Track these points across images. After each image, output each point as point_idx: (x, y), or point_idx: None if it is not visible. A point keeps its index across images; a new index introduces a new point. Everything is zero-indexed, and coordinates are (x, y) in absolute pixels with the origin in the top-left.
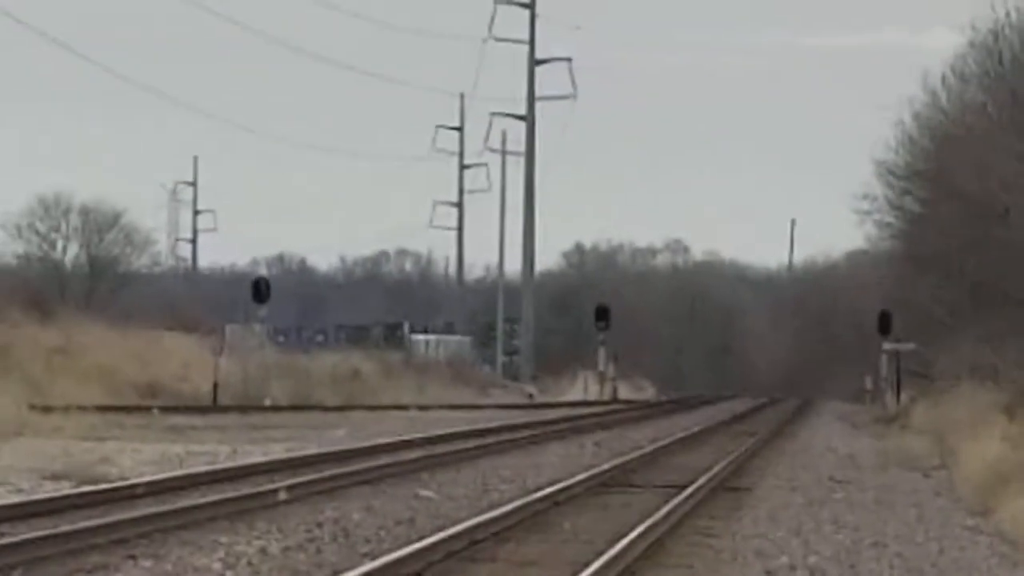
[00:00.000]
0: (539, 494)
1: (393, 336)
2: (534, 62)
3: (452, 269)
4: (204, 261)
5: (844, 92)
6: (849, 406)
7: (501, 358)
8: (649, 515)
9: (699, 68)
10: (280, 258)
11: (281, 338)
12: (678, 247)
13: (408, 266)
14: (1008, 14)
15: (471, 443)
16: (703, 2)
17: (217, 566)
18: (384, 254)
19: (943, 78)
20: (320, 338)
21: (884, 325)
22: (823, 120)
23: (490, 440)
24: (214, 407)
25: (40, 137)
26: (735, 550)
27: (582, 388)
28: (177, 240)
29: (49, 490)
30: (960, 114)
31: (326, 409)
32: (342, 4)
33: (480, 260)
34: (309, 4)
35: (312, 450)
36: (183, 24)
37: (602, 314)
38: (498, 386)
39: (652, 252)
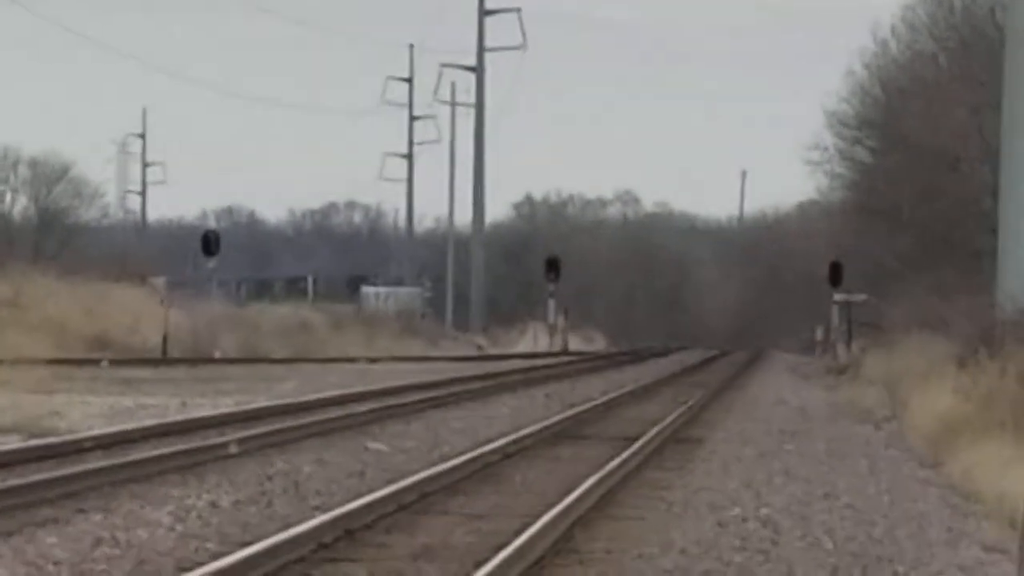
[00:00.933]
0: (490, 446)
1: (296, 289)
2: (483, 12)
3: (402, 221)
4: (153, 214)
5: (795, 42)
6: (800, 358)
7: (450, 309)
8: (600, 467)
9: (649, 19)
10: (229, 211)
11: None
12: (628, 198)
13: (358, 218)
14: None
15: (421, 395)
16: None
17: (167, 519)
18: (334, 206)
19: (893, 28)
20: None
21: (835, 276)
22: (774, 71)
23: (440, 392)
24: (164, 360)
25: None
26: (687, 502)
27: (532, 340)
28: (126, 192)
29: None
30: (910, 64)
31: (275, 361)
32: None
33: (430, 212)
34: None
35: (262, 403)
36: None
37: (552, 265)
38: (448, 338)
39: (602, 203)
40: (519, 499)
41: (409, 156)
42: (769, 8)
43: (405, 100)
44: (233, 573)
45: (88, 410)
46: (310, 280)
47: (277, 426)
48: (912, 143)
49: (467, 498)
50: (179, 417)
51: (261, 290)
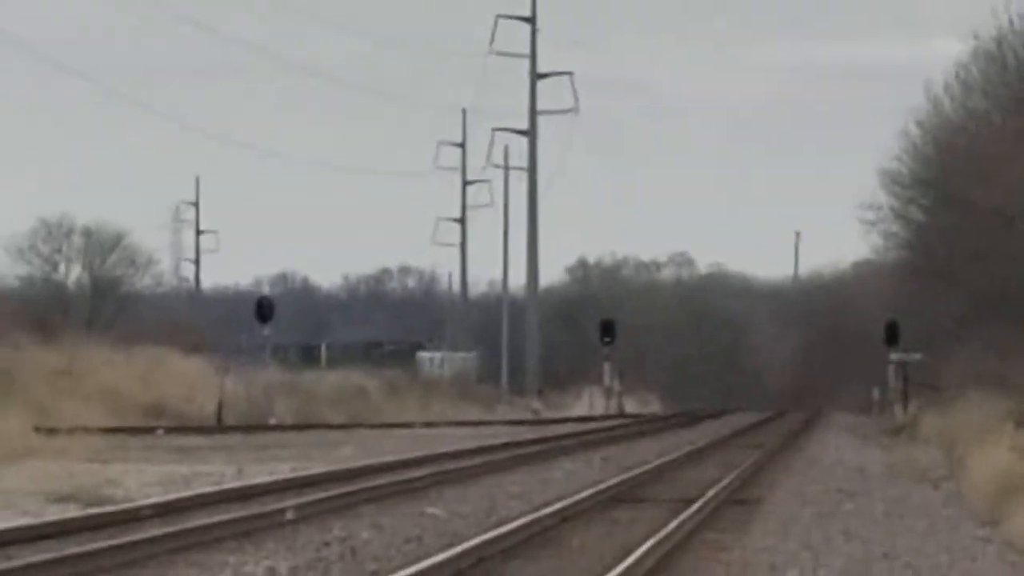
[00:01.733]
0: (547, 510)
1: (310, 356)
2: (536, 76)
3: (456, 285)
4: (207, 281)
5: (848, 102)
6: (857, 418)
7: (506, 373)
8: (658, 529)
9: (702, 82)
10: (283, 277)
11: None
12: (683, 260)
13: (411, 283)
14: (1011, 21)
15: (478, 460)
16: (704, 17)
17: None
18: (387, 271)
19: (946, 86)
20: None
21: (891, 335)
22: (827, 131)
23: (497, 456)
24: (219, 427)
25: (42, 159)
26: (745, 562)
27: (588, 403)
28: (180, 260)
29: (55, 512)
30: (964, 122)
31: (331, 427)
32: (342, 21)
33: (484, 276)
34: (309, 21)
35: (318, 469)
36: (184, 43)
37: (607, 328)
38: (504, 402)
39: (657, 266)
40: (577, 563)
41: (462, 220)
42: (821, 68)
43: (458, 164)
44: None
45: (144, 478)
46: (323, 347)
47: (334, 492)
48: (966, 202)
49: (524, 562)
50: (235, 484)
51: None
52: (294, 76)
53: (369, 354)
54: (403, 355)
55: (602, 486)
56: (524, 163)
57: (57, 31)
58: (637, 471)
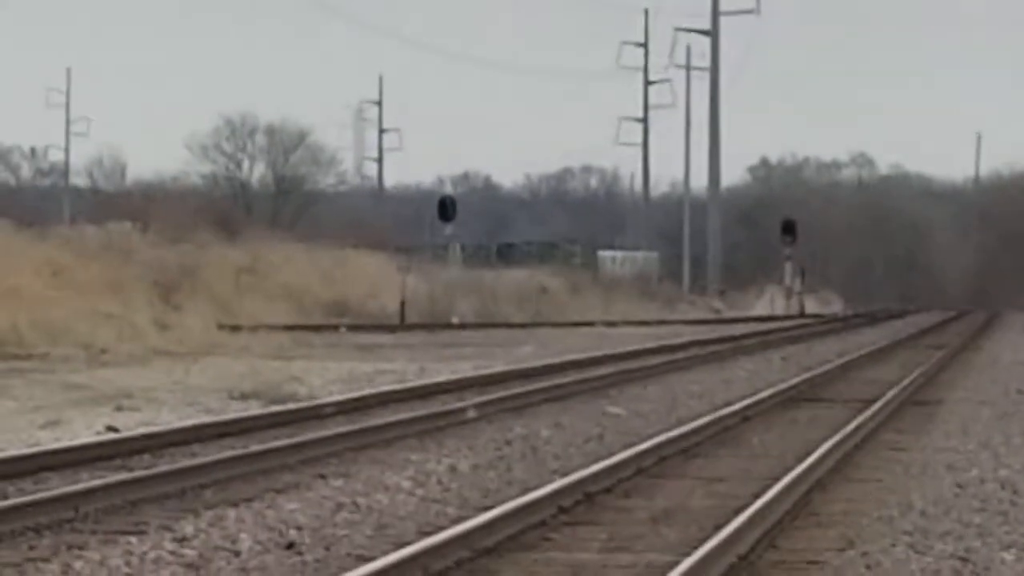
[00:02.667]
0: (727, 410)
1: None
2: None
3: (638, 186)
4: (390, 180)
5: None
6: None
7: (687, 273)
8: (838, 430)
9: None
10: (465, 176)
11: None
12: (863, 160)
13: (593, 183)
14: None
15: (658, 359)
16: None
17: (407, 484)
18: (569, 171)
19: None
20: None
21: None
22: (1012, 26)
23: (678, 356)
24: (401, 325)
25: (226, 58)
26: (925, 463)
27: (768, 303)
28: (363, 159)
29: (238, 409)
30: None
31: (512, 326)
32: None
33: (665, 176)
34: None
35: (499, 368)
36: None
37: (788, 228)
38: (685, 302)
39: (837, 166)
40: (757, 462)
41: (644, 120)
42: None
43: (640, 64)
44: (474, 537)
45: (327, 376)
46: (457, 247)
47: (515, 391)
48: None
49: (705, 461)
50: (418, 382)
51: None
52: None
53: (501, 254)
54: (539, 254)
55: (782, 386)
56: (706, 63)
57: None
58: (817, 371)
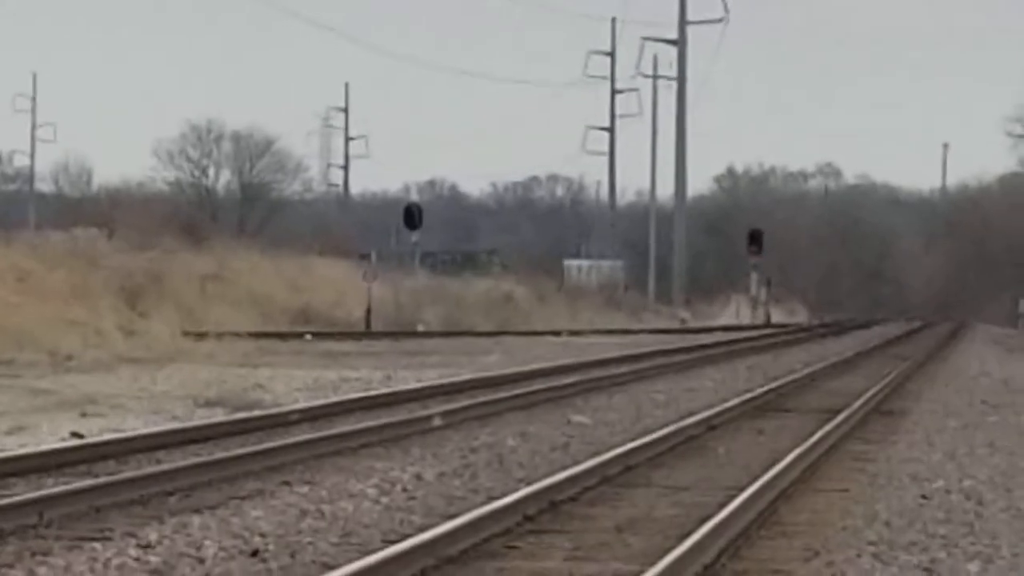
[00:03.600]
0: (693, 419)
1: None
2: None
3: (604, 195)
4: (356, 187)
5: (997, 15)
6: (1003, 330)
7: (652, 282)
8: (804, 439)
9: None
10: (431, 184)
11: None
12: (830, 171)
13: (560, 192)
14: None
15: (624, 368)
16: None
17: (372, 492)
18: (536, 179)
19: None
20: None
21: None
22: (978, 44)
23: (643, 365)
24: (367, 333)
25: (192, 64)
26: (890, 474)
27: (734, 312)
28: (329, 166)
29: (203, 416)
30: None
31: (479, 335)
32: None
33: (632, 185)
34: None
35: (466, 375)
36: None
37: (754, 238)
38: (650, 311)
39: (804, 176)
40: (722, 471)
41: (611, 129)
42: None
43: (607, 73)
44: (438, 545)
45: (292, 383)
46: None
47: (481, 399)
48: None
49: (671, 471)
50: (383, 390)
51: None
52: None
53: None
54: (461, 263)
55: (748, 395)
56: (673, 72)
57: None
58: (783, 380)
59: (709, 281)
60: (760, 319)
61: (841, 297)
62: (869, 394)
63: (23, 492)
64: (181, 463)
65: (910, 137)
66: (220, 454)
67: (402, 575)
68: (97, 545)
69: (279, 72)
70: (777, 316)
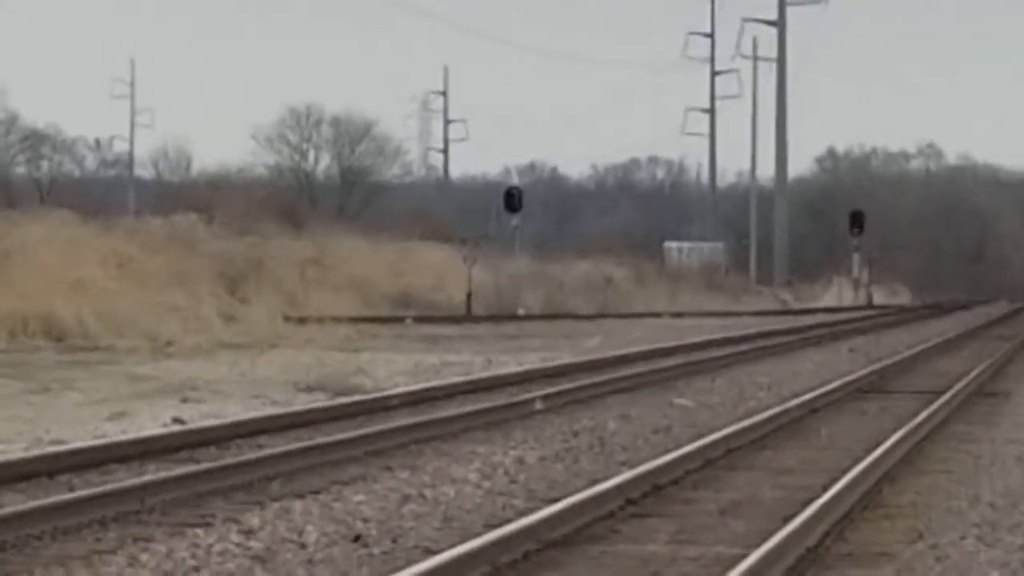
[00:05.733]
0: (795, 401)
1: None
2: None
3: (704, 176)
4: (456, 171)
5: None
6: None
7: (754, 264)
8: (906, 421)
9: None
10: (531, 167)
11: None
12: (931, 151)
13: (660, 174)
14: None
15: (726, 350)
16: None
17: (474, 476)
18: (636, 162)
19: None
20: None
21: None
22: None
23: (745, 347)
24: (468, 317)
25: (291, 48)
26: (994, 455)
27: (836, 294)
28: (428, 150)
29: (305, 401)
30: None
31: (579, 318)
32: None
33: (732, 167)
34: None
35: (566, 359)
36: None
37: (856, 219)
38: (752, 293)
39: (905, 156)
40: (825, 454)
41: (711, 111)
42: None
43: (707, 55)
44: (541, 529)
45: (393, 367)
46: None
47: (582, 382)
48: None
49: (773, 453)
50: (484, 374)
51: None
52: None
53: None
54: None
55: (850, 377)
56: (773, 53)
57: None
58: (886, 362)
59: (811, 263)
60: (862, 300)
61: (943, 278)
62: (972, 375)
63: (125, 478)
64: (282, 448)
65: (1013, 117)
66: (321, 439)
67: (505, 560)
68: (199, 531)
69: (378, 55)
70: (879, 297)
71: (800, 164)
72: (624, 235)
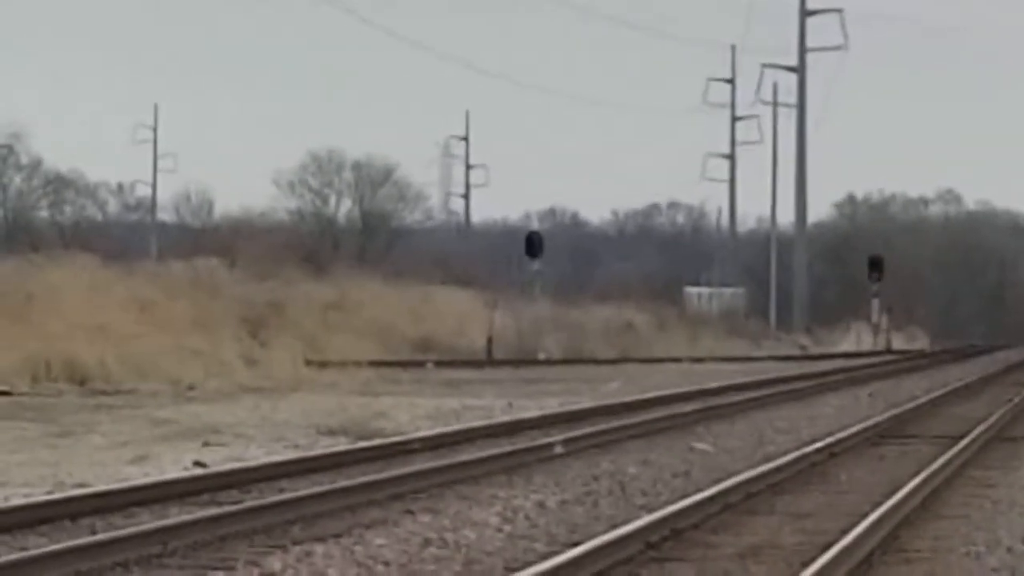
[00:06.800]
0: (815, 446)
1: None
2: (805, 13)
3: (724, 222)
4: (477, 216)
5: None
6: None
7: (774, 310)
8: (925, 466)
9: (966, 16)
10: (552, 212)
11: None
12: (950, 197)
13: (680, 219)
14: None
15: (745, 395)
16: None
17: (495, 520)
18: (656, 207)
19: None
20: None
21: None
22: None
23: (764, 392)
24: (489, 361)
25: (311, 94)
26: (1012, 500)
27: (855, 339)
28: (450, 195)
29: (326, 445)
30: None
31: (599, 362)
32: None
33: (752, 212)
34: None
35: (586, 403)
36: None
37: (875, 265)
38: (771, 338)
39: (924, 202)
40: (844, 498)
41: (731, 156)
42: None
43: (727, 100)
44: (561, 573)
45: (414, 412)
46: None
47: (602, 426)
48: None
49: (793, 497)
50: (505, 418)
51: None
52: (565, 12)
53: None
54: None
55: (869, 422)
56: (793, 99)
57: None
58: (904, 407)
59: (830, 308)
60: (881, 345)
61: (962, 323)
62: (990, 421)
63: (147, 521)
64: (304, 492)
65: None
66: (343, 482)
67: None
68: (221, 574)
69: (399, 101)
70: (898, 343)
71: (819, 209)
72: (645, 280)
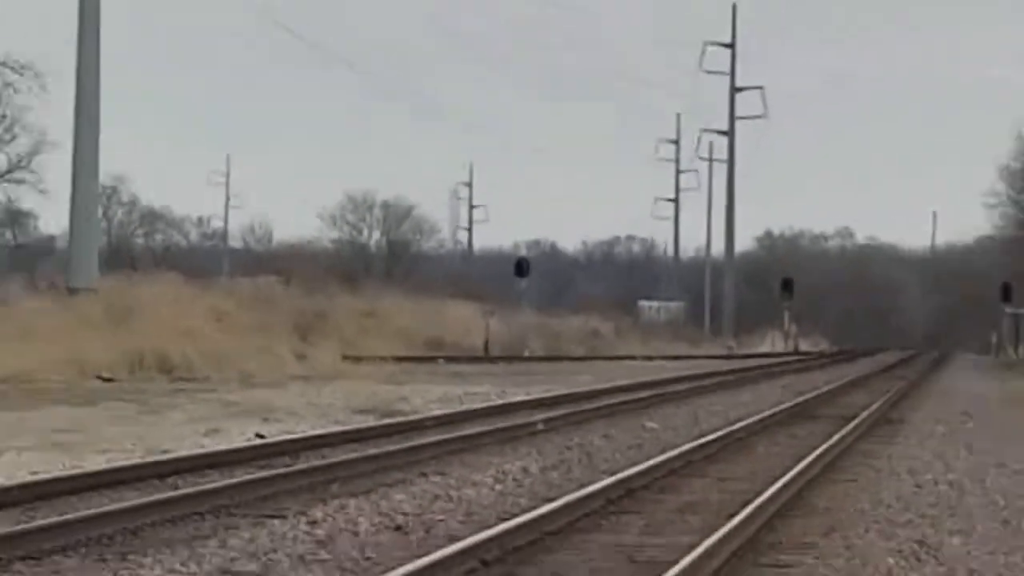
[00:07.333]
0: (739, 424)
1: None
2: (734, 89)
3: (670, 251)
4: (478, 245)
5: (970, 113)
6: (979, 357)
7: (707, 319)
8: (824, 440)
9: (853, 86)
10: (536, 242)
11: None
12: (846, 233)
13: (636, 248)
14: None
15: (685, 386)
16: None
17: (489, 480)
18: (617, 239)
19: None
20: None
21: (1006, 294)
22: (962, 131)
23: (700, 383)
24: (486, 357)
25: (350, 148)
26: (891, 468)
27: (770, 343)
28: (457, 228)
29: (359, 421)
30: None
31: (573, 359)
32: (599, 39)
33: (692, 244)
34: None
35: (563, 391)
36: (451, 43)
37: (787, 286)
38: (706, 341)
39: (825, 237)
40: (762, 465)
41: (676, 200)
42: (958, 85)
43: (673, 157)
44: (542, 522)
45: (427, 396)
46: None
47: (574, 409)
48: None
49: (722, 465)
50: (498, 402)
51: None
52: (548, 79)
53: None
54: None
55: (782, 406)
56: (724, 156)
57: (359, 42)
58: (809, 395)
59: (751, 318)
60: (791, 348)
61: (855, 332)
62: (875, 406)
63: (218, 480)
64: (341, 457)
65: (908, 206)
66: (372, 450)
67: (513, 545)
68: (275, 521)
69: (420, 153)
70: (804, 346)
71: (744, 242)
72: (608, 296)
